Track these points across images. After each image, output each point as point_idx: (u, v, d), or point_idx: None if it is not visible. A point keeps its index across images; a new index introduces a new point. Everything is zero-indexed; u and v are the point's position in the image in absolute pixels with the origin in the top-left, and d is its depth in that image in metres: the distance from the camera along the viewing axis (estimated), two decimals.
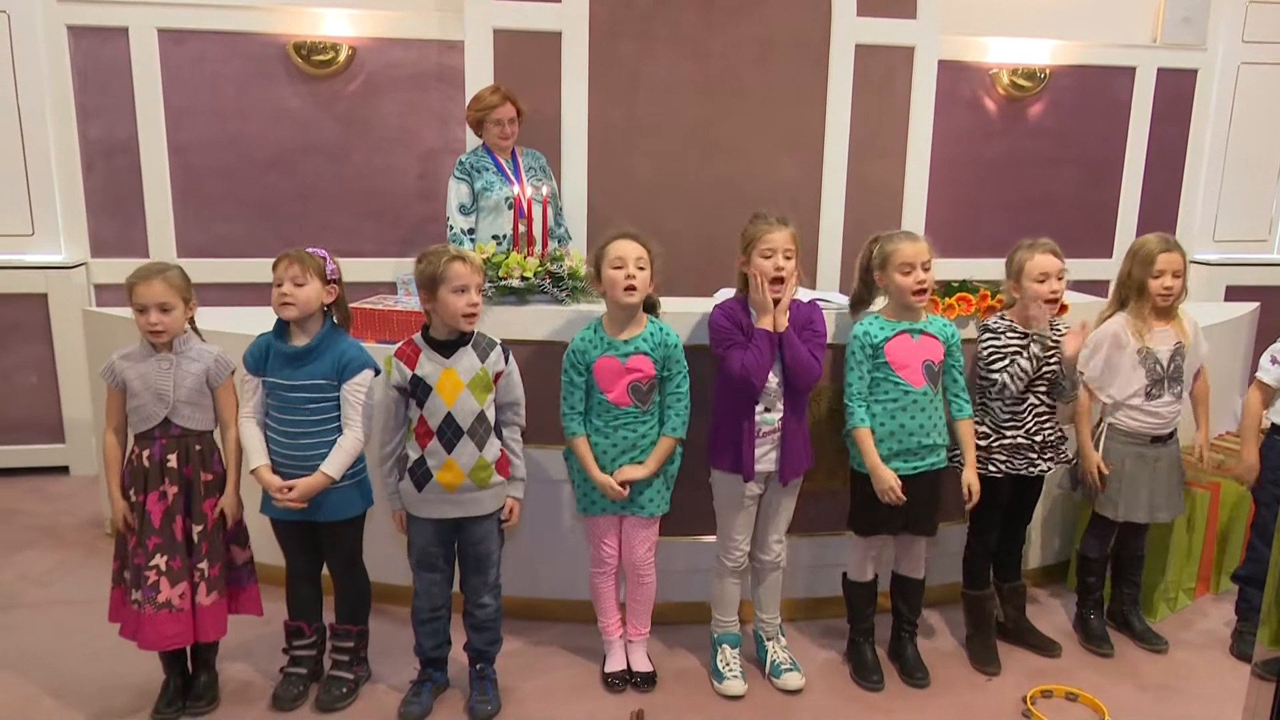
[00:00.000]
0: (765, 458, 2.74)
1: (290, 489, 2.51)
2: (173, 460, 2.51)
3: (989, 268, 3.36)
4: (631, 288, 2.61)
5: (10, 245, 4.36)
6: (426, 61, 4.52)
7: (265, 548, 2.75)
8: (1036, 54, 4.99)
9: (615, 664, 2.86)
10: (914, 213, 4.68)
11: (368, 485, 2.71)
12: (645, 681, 2.83)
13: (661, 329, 2.72)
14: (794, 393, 2.74)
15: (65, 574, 3.48)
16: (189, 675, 2.67)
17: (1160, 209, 5.31)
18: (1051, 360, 2.90)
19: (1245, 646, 3.03)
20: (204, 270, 3.94)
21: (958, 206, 5.02)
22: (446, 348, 2.56)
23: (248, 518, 2.66)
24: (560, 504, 3.10)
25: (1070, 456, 3.06)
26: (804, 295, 2.91)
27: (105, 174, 4.43)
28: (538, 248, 3.13)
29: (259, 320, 2.86)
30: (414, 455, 2.58)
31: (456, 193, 3.92)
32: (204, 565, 2.53)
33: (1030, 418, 2.93)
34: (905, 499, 2.73)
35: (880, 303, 2.88)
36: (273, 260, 2.55)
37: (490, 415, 2.59)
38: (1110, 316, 3.05)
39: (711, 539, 2.97)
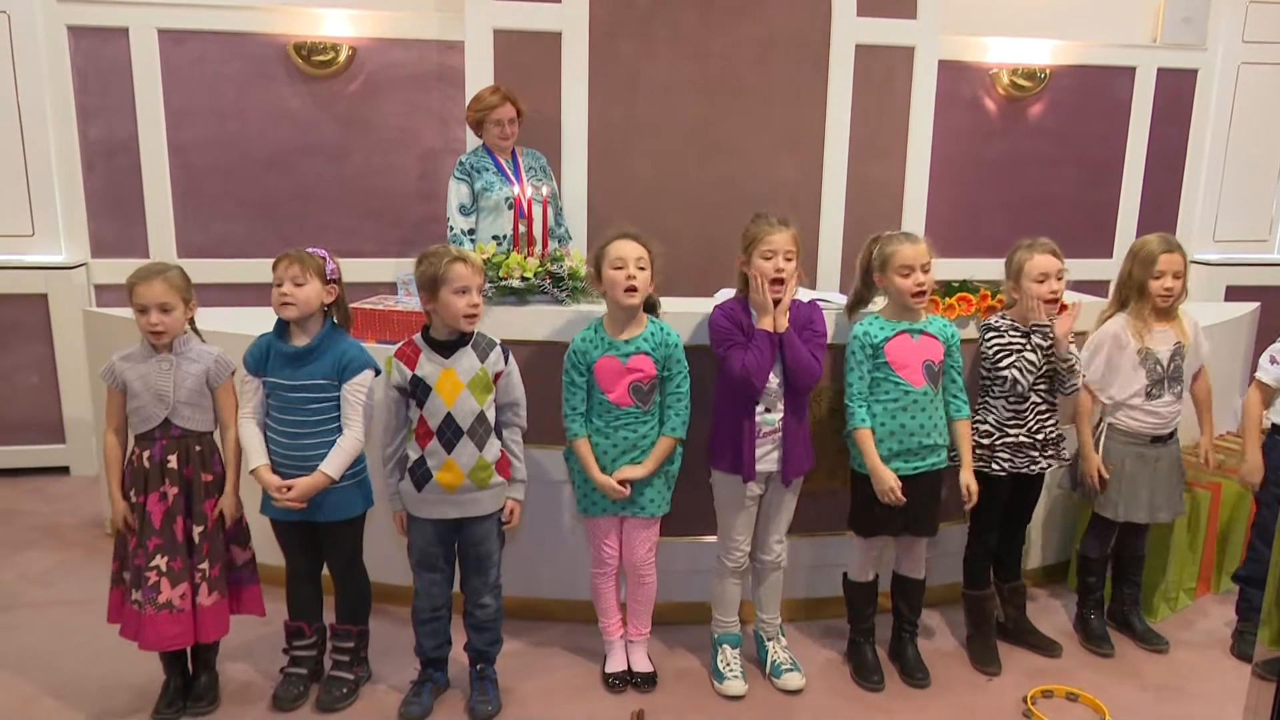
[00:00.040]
0: (766, 458, 2.74)
1: (289, 489, 2.52)
2: (173, 461, 2.51)
3: (989, 268, 3.35)
4: (632, 288, 2.61)
5: (10, 245, 4.36)
6: (426, 62, 4.52)
7: (265, 548, 2.75)
8: (1036, 54, 4.99)
9: (616, 664, 2.86)
10: (914, 213, 4.67)
11: (368, 485, 2.71)
12: (646, 682, 2.83)
13: (662, 329, 2.72)
14: (794, 393, 2.74)
15: (66, 574, 3.48)
16: (189, 675, 2.67)
17: (1160, 209, 5.31)
18: (1053, 350, 2.90)
19: (1246, 647, 3.04)
20: (204, 270, 3.93)
21: (958, 206, 5.02)
22: (446, 348, 2.56)
23: (248, 518, 2.66)
24: (560, 504, 3.10)
25: (1069, 456, 3.06)
26: (804, 295, 2.91)
27: (105, 174, 4.43)
28: (538, 248, 3.13)
29: (259, 320, 2.86)
30: (414, 455, 2.58)
31: (456, 193, 3.92)
32: (204, 566, 2.53)
33: (1032, 416, 2.93)
34: (905, 499, 2.73)
35: (880, 303, 2.88)
36: (273, 260, 2.55)
37: (490, 416, 2.59)
38: (1110, 317, 3.06)
39: (712, 539, 2.98)
